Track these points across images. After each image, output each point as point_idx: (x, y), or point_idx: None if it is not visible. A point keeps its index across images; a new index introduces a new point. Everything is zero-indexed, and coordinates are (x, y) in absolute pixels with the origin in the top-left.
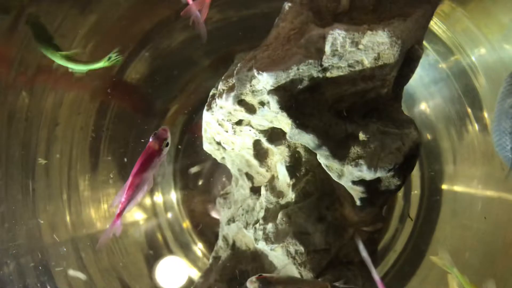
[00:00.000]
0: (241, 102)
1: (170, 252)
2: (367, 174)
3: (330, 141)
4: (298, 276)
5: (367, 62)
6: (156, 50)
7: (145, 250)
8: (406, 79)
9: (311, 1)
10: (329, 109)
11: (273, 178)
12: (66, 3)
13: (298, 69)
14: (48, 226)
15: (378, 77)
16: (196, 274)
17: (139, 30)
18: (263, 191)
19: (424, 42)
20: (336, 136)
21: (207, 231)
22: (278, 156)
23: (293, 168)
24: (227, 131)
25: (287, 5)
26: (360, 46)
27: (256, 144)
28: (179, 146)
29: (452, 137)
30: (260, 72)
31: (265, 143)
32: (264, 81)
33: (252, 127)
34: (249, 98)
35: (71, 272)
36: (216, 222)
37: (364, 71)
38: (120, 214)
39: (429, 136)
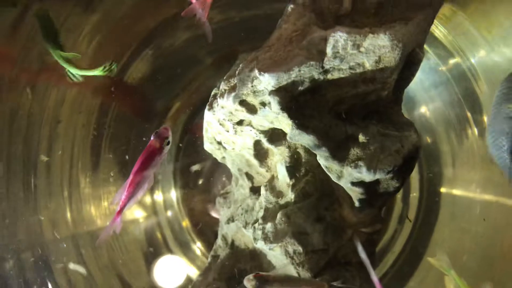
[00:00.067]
0: (242, 102)
1: (169, 250)
2: (366, 176)
3: (330, 142)
4: (296, 275)
5: (368, 64)
6: (159, 49)
7: (144, 248)
8: (406, 82)
9: (314, 3)
10: (330, 110)
11: (273, 178)
12: (70, 1)
13: (299, 70)
14: (49, 222)
15: (379, 80)
16: (194, 273)
17: (142, 29)
18: (262, 191)
19: (425, 46)
20: (336, 138)
21: (207, 230)
22: (278, 157)
23: (293, 168)
24: (228, 131)
25: (290, 7)
26: (362, 49)
27: (257, 144)
28: (180, 145)
29: (451, 141)
30: (262, 72)
31: (266, 144)
32: (266, 82)
33: (253, 127)
34: (250, 99)
35: (72, 266)
36: (216, 222)
37: (365, 73)
38: (120, 212)
39: (428, 139)
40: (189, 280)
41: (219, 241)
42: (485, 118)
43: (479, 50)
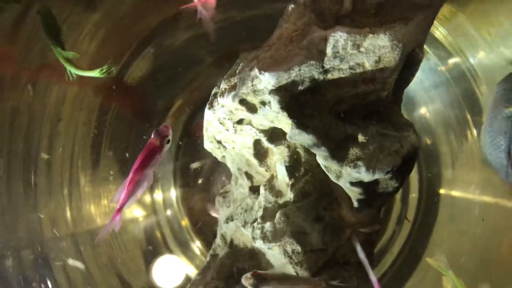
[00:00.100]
0: (242, 101)
1: (168, 249)
2: (365, 176)
3: (329, 142)
4: (295, 275)
5: (368, 64)
6: (159, 48)
7: (143, 247)
8: (406, 82)
9: (314, 3)
10: (330, 110)
11: (272, 178)
12: (72, 0)
13: (299, 70)
14: (49, 220)
15: (379, 80)
16: (193, 272)
17: (143, 28)
18: (262, 190)
19: (425, 46)
20: (336, 137)
21: (206, 229)
22: (278, 156)
23: (292, 168)
24: (228, 130)
25: (290, 7)
26: (362, 49)
27: (256, 143)
28: (180, 143)
29: (451, 142)
30: (262, 72)
31: (265, 143)
32: (266, 81)
33: (253, 127)
34: (250, 98)
35: (71, 262)
36: (215, 221)
37: (365, 73)
38: (119, 210)
39: (428, 140)
40: (188, 279)
41: (218, 240)
42: (485, 120)
43: (479, 51)
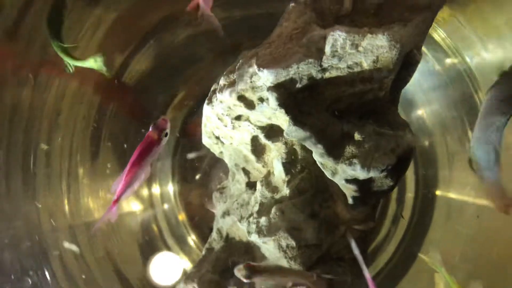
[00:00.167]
0: (240, 98)
1: (165, 242)
2: (361, 173)
3: (326, 139)
4: None
5: (366, 64)
6: (160, 45)
7: (140, 240)
8: (404, 82)
9: (315, 2)
10: (327, 108)
11: (269, 174)
12: None
13: (298, 67)
14: (47, 211)
15: (376, 80)
16: (189, 266)
17: (144, 24)
18: (258, 186)
19: (424, 49)
20: (333, 135)
21: (202, 224)
22: (275, 153)
23: (289, 164)
24: (226, 126)
25: (291, 5)
26: (360, 48)
27: (254, 139)
28: (178, 135)
29: (448, 143)
30: (261, 68)
31: (263, 139)
32: (264, 78)
33: (251, 123)
34: (248, 94)
35: (66, 245)
36: (212, 216)
37: (362, 73)
38: (116, 201)
39: (425, 141)
40: (184, 274)
41: (214, 234)
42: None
43: (477, 54)
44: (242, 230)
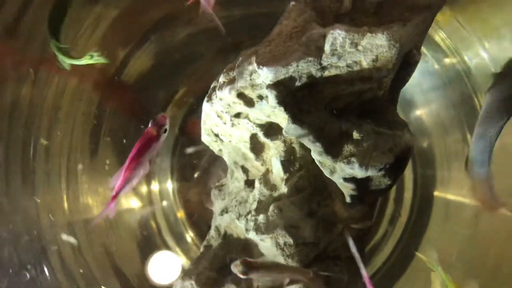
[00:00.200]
0: (240, 95)
1: (163, 240)
2: (359, 172)
3: (324, 138)
4: None
5: (365, 63)
6: (160, 43)
7: (138, 237)
8: (403, 82)
9: (315, 1)
10: (326, 107)
11: (267, 172)
12: None
13: (297, 65)
14: (46, 207)
15: (375, 79)
16: (187, 264)
17: (145, 22)
18: (257, 184)
19: (424, 49)
20: (331, 134)
21: (201, 222)
22: (274, 151)
23: (287, 163)
24: (225, 123)
25: (291, 4)
26: (359, 47)
27: (253, 137)
28: (177, 129)
29: (446, 144)
30: (261, 66)
31: (262, 137)
32: (264, 75)
33: (250, 121)
34: (248, 92)
35: (64, 237)
36: (210, 214)
37: (362, 72)
38: (115, 197)
39: (424, 142)
40: (182, 271)
41: (212, 231)
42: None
43: (477, 55)
44: (240, 228)
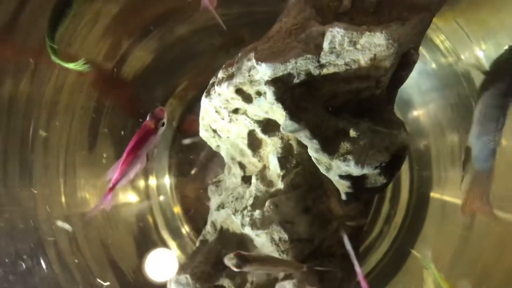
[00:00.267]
0: (238, 91)
1: (159, 234)
2: (354, 170)
3: (321, 135)
4: None
5: (363, 62)
6: (160, 39)
7: (135, 231)
8: (400, 82)
9: None
10: (324, 104)
11: (264, 168)
12: None
13: (296, 62)
14: (43, 197)
15: (373, 78)
16: (183, 259)
17: (145, 17)
18: (253, 180)
19: (422, 50)
20: (328, 131)
21: (197, 217)
22: (271, 147)
23: (284, 159)
24: (223, 119)
25: (291, 1)
26: (358, 46)
27: (251, 133)
28: (173, 123)
29: (443, 145)
30: (259, 62)
31: (259, 134)
32: (263, 71)
33: (248, 117)
34: (246, 88)
35: (59, 224)
36: (207, 209)
37: (359, 70)
38: (111, 189)
39: (421, 142)
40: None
41: (208, 227)
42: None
43: (475, 57)
44: (236, 223)
